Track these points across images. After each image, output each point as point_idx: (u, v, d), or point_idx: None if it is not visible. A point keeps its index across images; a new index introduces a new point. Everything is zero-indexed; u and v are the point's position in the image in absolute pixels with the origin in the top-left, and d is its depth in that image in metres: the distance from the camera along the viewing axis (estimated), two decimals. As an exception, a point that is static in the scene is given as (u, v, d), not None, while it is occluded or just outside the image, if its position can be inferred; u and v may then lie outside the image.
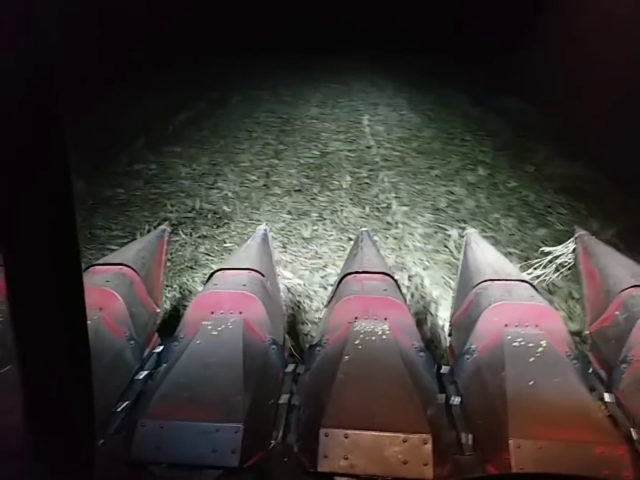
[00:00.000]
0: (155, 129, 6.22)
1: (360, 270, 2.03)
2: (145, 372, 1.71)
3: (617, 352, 1.71)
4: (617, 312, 1.83)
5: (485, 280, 1.92)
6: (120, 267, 1.98)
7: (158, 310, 2.13)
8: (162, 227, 2.44)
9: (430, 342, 2.74)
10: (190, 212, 4.42)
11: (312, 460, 1.28)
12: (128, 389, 1.62)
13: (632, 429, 1.44)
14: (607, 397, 1.62)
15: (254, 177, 5.12)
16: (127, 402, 1.55)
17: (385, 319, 1.73)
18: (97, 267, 1.97)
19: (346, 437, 1.27)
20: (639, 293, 1.82)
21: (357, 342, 1.61)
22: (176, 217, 4.30)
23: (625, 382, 1.64)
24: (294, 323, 2.97)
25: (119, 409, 1.51)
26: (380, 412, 1.34)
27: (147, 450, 1.29)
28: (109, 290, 1.80)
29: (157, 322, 2.09)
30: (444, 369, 1.76)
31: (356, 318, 1.73)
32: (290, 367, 1.73)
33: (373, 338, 1.63)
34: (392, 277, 2.02)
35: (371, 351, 1.58)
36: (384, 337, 1.64)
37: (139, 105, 6.55)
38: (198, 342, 1.64)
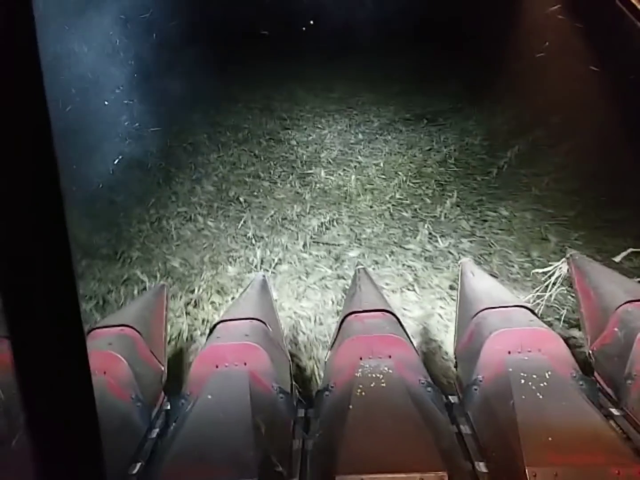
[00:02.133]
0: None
1: (361, 309, 2.04)
2: (156, 433, 1.69)
3: (621, 368, 1.72)
4: (615, 329, 1.85)
5: (484, 309, 1.94)
6: (122, 327, 1.98)
7: (163, 368, 2.12)
8: (161, 283, 2.46)
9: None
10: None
11: None
12: (139, 451, 1.61)
13: None
14: (616, 415, 1.62)
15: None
16: (139, 465, 1.53)
17: (390, 356, 1.74)
18: (97, 330, 1.97)
19: None
20: (634, 308, 1.84)
21: (363, 384, 1.61)
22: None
23: (632, 398, 1.65)
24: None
25: (131, 473, 1.50)
26: (393, 453, 1.34)
27: None
28: (112, 352, 1.79)
29: (162, 380, 2.08)
30: (452, 399, 1.76)
31: (361, 358, 1.73)
32: (301, 413, 1.73)
33: (379, 378, 1.63)
34: (393, 314, 2.04)
35: (379, 392, 1.58)
36: (390, 376, 1.64)
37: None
38: (205, 399, 1.63)
